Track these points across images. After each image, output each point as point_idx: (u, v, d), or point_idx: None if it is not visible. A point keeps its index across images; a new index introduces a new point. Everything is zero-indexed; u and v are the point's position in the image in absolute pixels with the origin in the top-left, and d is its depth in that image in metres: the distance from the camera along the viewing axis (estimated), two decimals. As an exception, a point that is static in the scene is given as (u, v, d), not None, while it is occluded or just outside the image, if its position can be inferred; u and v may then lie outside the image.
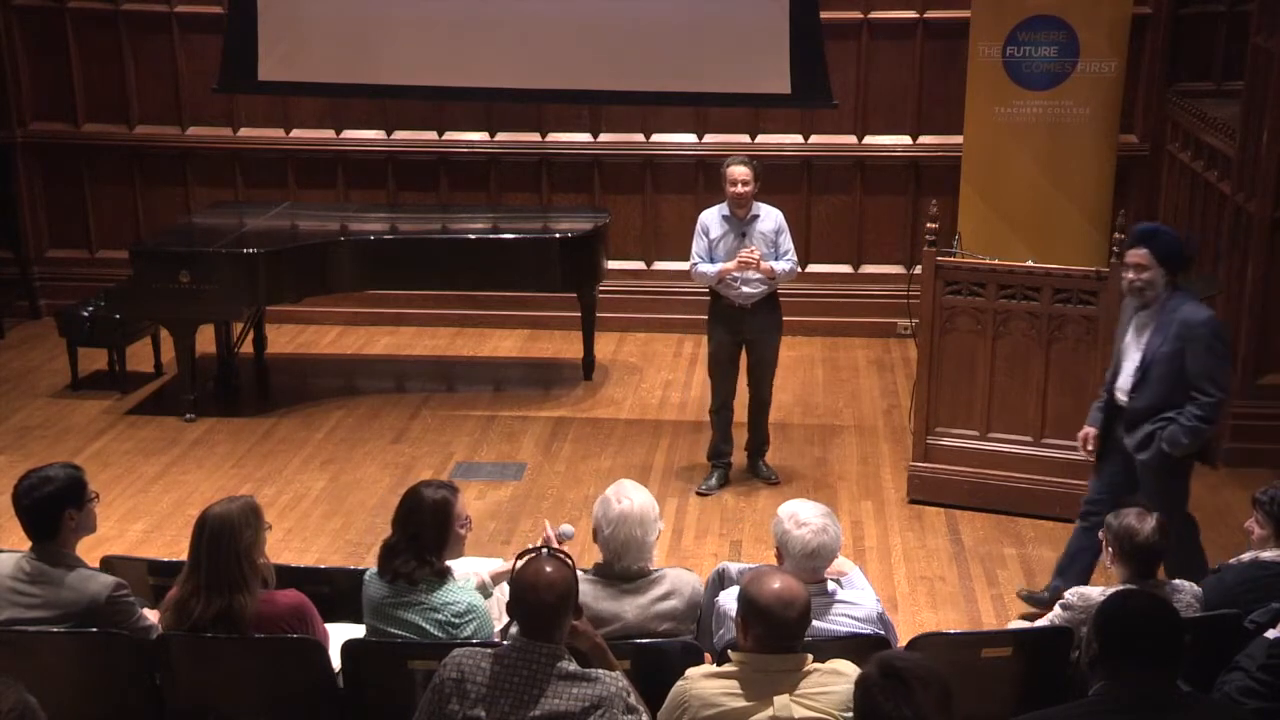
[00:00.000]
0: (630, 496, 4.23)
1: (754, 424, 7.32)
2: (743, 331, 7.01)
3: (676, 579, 4.26)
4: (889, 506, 7.06)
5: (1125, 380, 5.57)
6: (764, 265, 6.79)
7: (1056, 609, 4.53)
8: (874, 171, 9.68)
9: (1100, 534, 4.56)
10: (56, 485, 4.25)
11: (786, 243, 6.97)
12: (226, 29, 9.27)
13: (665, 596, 4.20)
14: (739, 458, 7.38)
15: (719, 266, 6.85)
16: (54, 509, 4.23)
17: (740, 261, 6.76)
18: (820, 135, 9.64)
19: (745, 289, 6.88)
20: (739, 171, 6.85)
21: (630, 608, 4.16)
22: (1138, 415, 5.50)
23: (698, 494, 7.15)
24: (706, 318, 7.14)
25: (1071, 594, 4.49)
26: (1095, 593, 4.42)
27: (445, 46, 9.04)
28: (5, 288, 10.05)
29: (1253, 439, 7.34)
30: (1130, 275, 5.47)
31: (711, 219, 6.98)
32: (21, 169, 10.08)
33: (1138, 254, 5.42)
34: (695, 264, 6.95)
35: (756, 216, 6.93)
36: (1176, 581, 4.50)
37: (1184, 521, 5.53)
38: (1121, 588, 4.12)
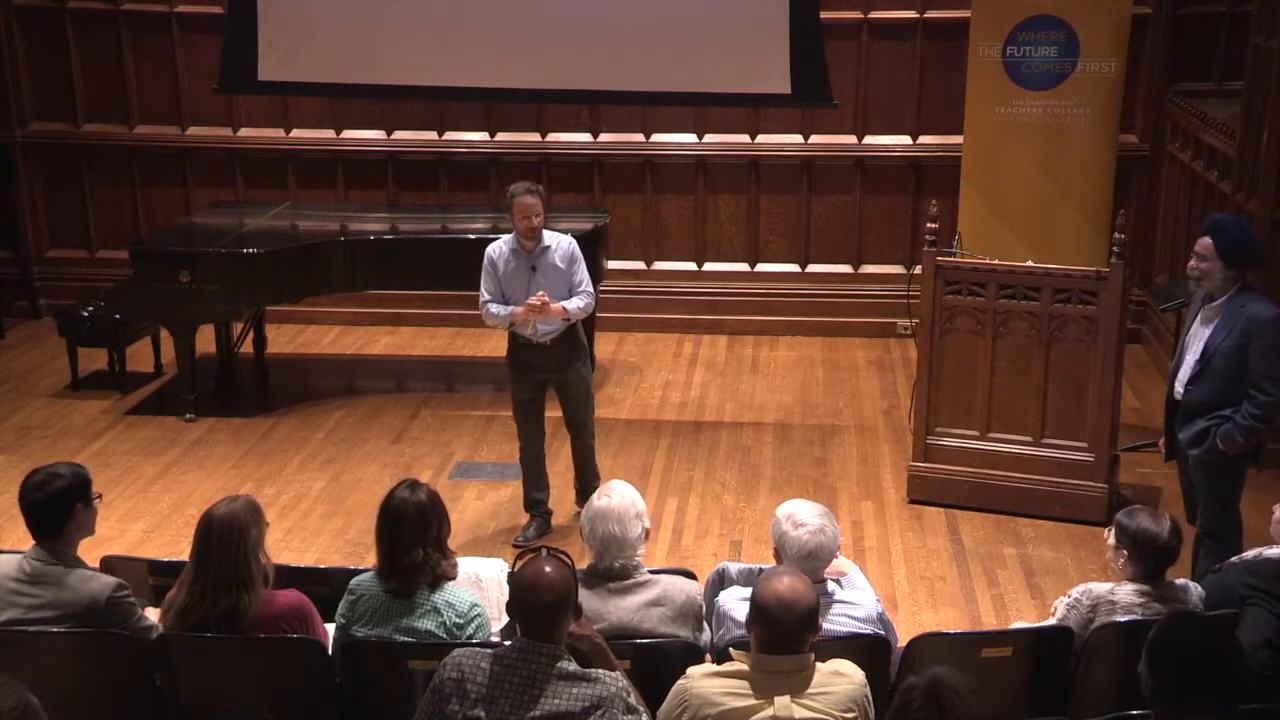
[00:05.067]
0: (610, 494, 4.24)
1: (579, 465, 6.80)
2: (544, 370, 6.50)
3: (669, 586, 4.23)
4: (889, 507, 7.05)
5: (1184, 372, 5.57)
6: (554, 308, 6.26)
7: (1063, 607, 4.52)
8: (874, 171, 9.68)
9: (1109, 533, 4.52)
10: (67, 480, 4.27)
11: (580, 273, 6.42)
12: (226, 29, 9.27)
13: (654, 603, 4.17)
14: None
15: (509, 310, 6.33)
16: (65, 502, 4.24)
17: (528, 307, 6.25)
18: (820, 135, 9.64)
19: (540, 325, 6.38)
20: (530, 202, 6.27)
21: (615, 609, 4.15)
22: (1194, 409, 5.50)
23: (514, 545, 6.50)
24: (505, 359, 6.64)
25: (1078, 591, 4.47)
26: (1102, 589, 4.40)
27: (445, 46, 9.04)
28: (5, 288, 10.05)
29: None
30: (1191, 262, 5.49)
31: (498, 253, 6.41)
32: (21, 169, 10.09)
33: (1202, 243, 5.42)
34: (485, 303, 6.39)
35: (546, 248, 6.39)
36: (1180, 582, 4.48)
37: (1232, 520, 5.54)
38: (1173, 616, 3.92)
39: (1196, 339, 5.53)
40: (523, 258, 6.40)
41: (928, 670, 3.15)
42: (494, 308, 6.40)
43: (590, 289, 6.48)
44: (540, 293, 6.28)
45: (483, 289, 6.44)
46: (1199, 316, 5.57)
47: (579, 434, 6.74)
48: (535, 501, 6.77)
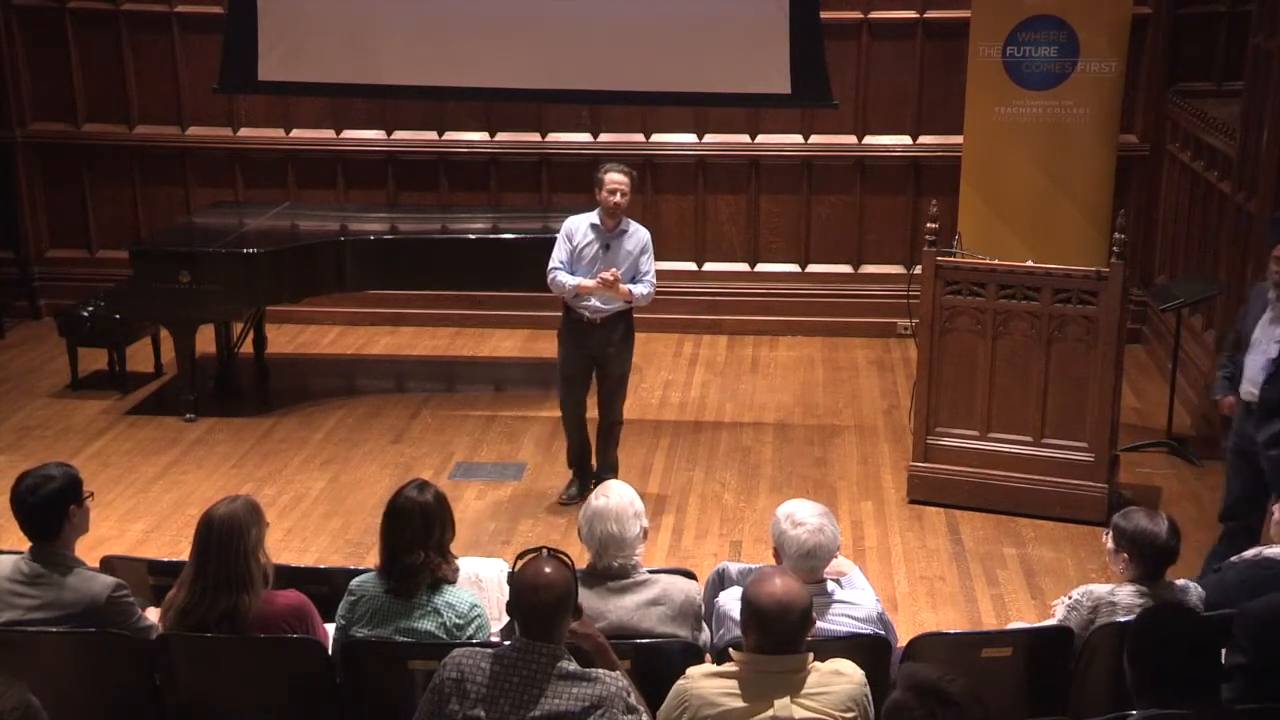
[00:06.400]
0: (608, 493, 4.25)
1: (602, 447, 7.03)
2: (591, 346, 6.71)
3: (669, 585, 4.24)
4: (889, 507, 7.05)
5: (1255, 374, 5.55)
6: (622, 289, 6.51)
7: (1063, 608, 4.51)
8: (874, 171, 9.68)
9: (1107, 535, 4.50)
10: (59, 482, 4.25)
11: (647, 264, 6.65)
12: (226, 29, 9.27)
13: (653, 602, 4.18)
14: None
15: (577, 280, 6.55)
16: (59, 505, 4.23)
17: (600, 281, 6.48)
18: (820, 135, 9.64)
19: (596, 302, 6.59)
20: (619, 179, 6.51)
21: (615, 608, 4.15)
22: (1271, 409, 5.46)
23: (559, 503, 6.90)
24: (558, 332, 6.88)
25: (1079, 593, 4.46)
26: (1102, 590, 4.39)
27: (445, 46, 9.04)
28: (5, 288, 10.05)
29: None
30: None
31: (577, 225, 6.64)
32: (21, 169, 10.09)
33: None
34: (554, 270, 6.62)
35: (625, 231, 6.62)
36: (1181, 582, 4.48)
37: None
38: (1149, 609, 3.90)
39: (1264, 340, 5.51)
40: (600, 235, 6.62)
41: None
42: (562, 276, 6.62)
43: (654, 281, 6.70)
44: (613, 269, 6.51)
45: (554, 256, 6.66)
46: (1265, 316, 5.57)
47: (607, 410, 6.93)
48: (580, 457, 6.98)
